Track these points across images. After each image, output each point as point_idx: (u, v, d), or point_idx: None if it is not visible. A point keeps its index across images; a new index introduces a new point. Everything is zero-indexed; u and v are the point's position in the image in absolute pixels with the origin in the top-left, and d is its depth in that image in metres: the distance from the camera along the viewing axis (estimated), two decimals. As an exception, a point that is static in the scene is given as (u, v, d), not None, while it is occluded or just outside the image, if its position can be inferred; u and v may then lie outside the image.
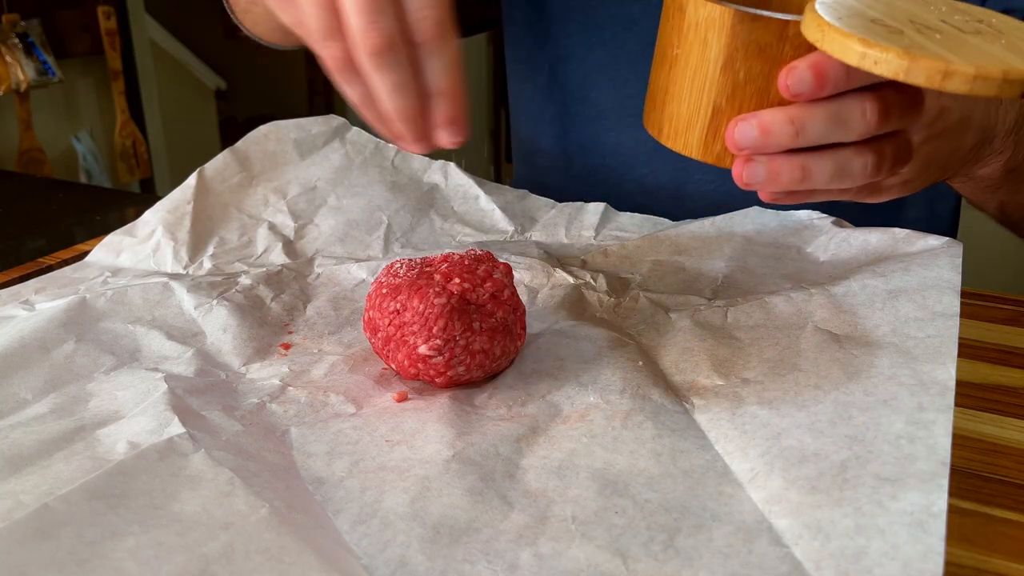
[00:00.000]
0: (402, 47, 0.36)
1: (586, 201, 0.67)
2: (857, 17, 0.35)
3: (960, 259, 0.49)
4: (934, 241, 0.52)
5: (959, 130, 0.47)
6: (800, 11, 0.38)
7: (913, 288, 0.47)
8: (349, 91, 0.39)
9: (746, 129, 0.39)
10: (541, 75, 0.75)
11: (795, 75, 0.37)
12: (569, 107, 0.74)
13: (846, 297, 0.48)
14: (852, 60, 0.34)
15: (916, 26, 0.35)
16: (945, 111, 0.46)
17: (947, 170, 0.50)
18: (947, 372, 0.39)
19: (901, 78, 0.33)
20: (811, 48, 0.37)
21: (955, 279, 0.47)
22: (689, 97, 0.40)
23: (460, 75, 0.37)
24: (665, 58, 0.41)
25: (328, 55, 0.37)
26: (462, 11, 0.80)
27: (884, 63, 0.33)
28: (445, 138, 0.39)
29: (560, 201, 0.68)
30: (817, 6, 0.36)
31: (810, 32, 0.35)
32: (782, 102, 0.39)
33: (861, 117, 0.38)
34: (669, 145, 0.42)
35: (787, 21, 0.37)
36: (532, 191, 0.70)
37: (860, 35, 0.33)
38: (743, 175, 0.40)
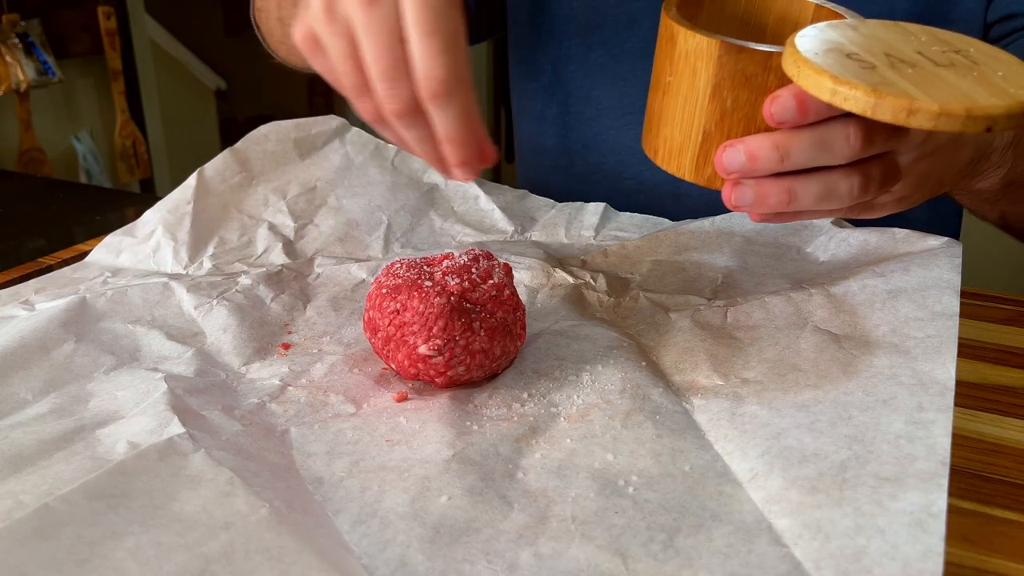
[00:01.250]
0: (420, 107, 0.40)
1: (587, 200, 0.67)
2: (833, 52, 0.36)
3: (960, 259, 0.49)
4: (934, 241, 0.52)
5: (953, 148, 0.48)
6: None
7: (913, 288, 0.47)
8: (387, 136, 0.43)
9: (733, 154, 0.40)
10: (543, 75, 0.75)
11: (779, 103, 0.38)
12: (570, 106, 0.74)
13: (846, 297, 0.48)
14: (824, 96, 0.35)
15: (891, 60, 0.36)
16: (934, 131, 0.46)
17: (943, 185, 0.50)
18: (947, 372, 0.40)
19: (869, 115, 0.34)
20: None
21: (955, 279, 0.47)
22: (681, 123, 0.42)
23: (469, 122, 0.40)
24: (659, 84, 0.43)
25: (361, 108, 0.41)
26: (472, 17, 0.79)
27: (853, 100, 0.34)
28: (460, 176, 0.43)
29: (561, 200, 0.68)
30: (797, 39, 0.37)
31: (787, 67, 0.36)
32: (769, 128, 0.40)
33: (845, 142, 0.38)
34: (664, 167, 0.44)
35: (770, 53, 0.38)
36: (534, 191, 0.70)
37: (832, 72, 0.34)
38: (732, 198, 0.41)
